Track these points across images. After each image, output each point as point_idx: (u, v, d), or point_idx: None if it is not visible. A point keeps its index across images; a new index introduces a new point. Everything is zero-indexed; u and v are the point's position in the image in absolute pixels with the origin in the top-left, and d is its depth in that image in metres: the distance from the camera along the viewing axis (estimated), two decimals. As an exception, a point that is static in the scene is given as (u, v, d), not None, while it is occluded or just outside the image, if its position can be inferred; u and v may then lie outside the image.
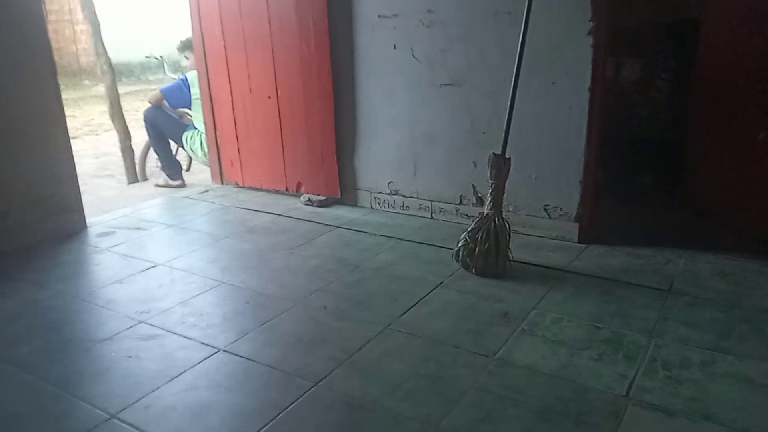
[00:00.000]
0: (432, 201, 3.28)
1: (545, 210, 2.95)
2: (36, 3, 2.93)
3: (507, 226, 2.55)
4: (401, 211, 3.39)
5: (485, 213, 2.56)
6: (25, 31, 2.89)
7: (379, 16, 3.16)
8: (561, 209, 2.90)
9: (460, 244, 2.60)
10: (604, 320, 2.14)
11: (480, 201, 3.09)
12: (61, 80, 3.12)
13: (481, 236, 2.53)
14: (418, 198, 3.33)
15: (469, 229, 2.58)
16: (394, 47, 3.16)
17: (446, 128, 3.13)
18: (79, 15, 12.97)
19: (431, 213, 3.30)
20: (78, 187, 3.23)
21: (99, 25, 5.13)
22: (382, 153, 3.38)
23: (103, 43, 5.16)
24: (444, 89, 3.07)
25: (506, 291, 2.40)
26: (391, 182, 3.40)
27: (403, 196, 3.38)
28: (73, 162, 3.17)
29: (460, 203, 3.19)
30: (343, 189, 3.55)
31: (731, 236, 2.86)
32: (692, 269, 2.56)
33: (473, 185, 3.12)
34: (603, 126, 2.81)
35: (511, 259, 2.57)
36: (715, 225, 2.97)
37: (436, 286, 2.45)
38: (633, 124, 3.59)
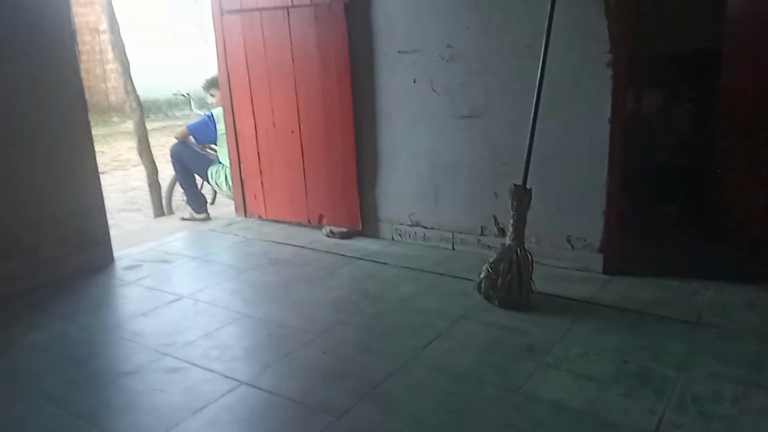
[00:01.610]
0: (453, 232, 3.28)
1: (568, 241, 2.92)
2: (70, 44, 3.06)
3: (529, 257, 2.53)
4: (422, 243, 3.39)
5: (507, 244, 2.55)
6: (59, 71, 3.01)
7: (399, 52, 3.22)
8: (584, 240, 2.87)
9: (482, 276, 2.58)
10: (631, 354, 2.09)
11: (501, 232, 3.07)
12: (91, 117, 3.23)
13: (504, 267, 2.50)
14: (439, 229, 3.33)
15: (491, 261, 2.56)
16: (414, 81, 3.20)
17: (466, 159, 3.14)
18: (109, 55, 13.45)
19: (452, 244, 3.29)
20: (106, 221, 3.30)
21: (128, 65, 5.30)
22: (403, 185, 3.40)
23: (132, 81, 5.33)
24: (464, 121, 3.09)
25: (530, 324, 2.36)
26: (412, 214, 3.41)
27: (424, 227, 3.38)
28: (102, 197, 3.25)
29: (482, 234, 3.18)
30: (365, 221, 3.57)
31: (759, 266, 2.78)
32: (720, 301, 2.50)
33: (494, 216, 3.11)
34: (625, 156, 2.79)
35: (535, 290, 2.54)
36: (743, 255, 2.90)
37: (459, 319, 2.43)
38: (656, 154, 3.56)
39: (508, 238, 2.56)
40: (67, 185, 3.08)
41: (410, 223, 3.43)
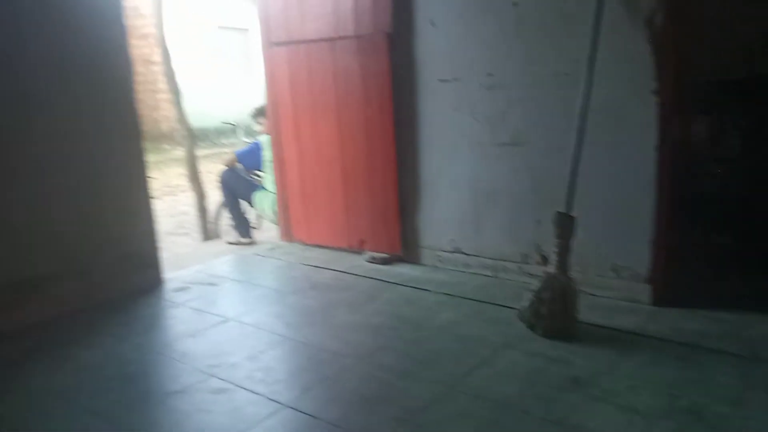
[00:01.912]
0: (495, 259, 3.24)
1: (614, 270, 2.85)
2: (127, 76, 3.22)
3: (574, 286, 2.48)
4: (463, 270, 3.37)
5: (551, 272, 2.51)
6: (117, 101, 3.17)
7: (440, 80, 3.26)
8: (631, 269, 2.80)
9: (525, 304, 2.54)
10: (682, 388, 2.01)
11: (545, 260, 3.02)
12: (144, 144, 3.37)
13: (547, 296, 2.46)
14: (480, 256, 3.30)
15: (534, 289, 2.52)
16: (455, 109, 3.23)
17: (508, 186, 3.12)
18: (161, 85, 14.07)
19: (494, 272, 3.25)
20: (158, 244, 3.41)
21: (180, 95, 5.54)
22: (444, 211, 3.40)
23: (183, 111, 5.56)
24: (505, 148, 3.09)
25: (575, 354, 2.30)
26: (452, 240, 3.40)
27: (466, 254, 3.36)
28: (154, 221, 3.37)
29: (524, 262, 3.14)
30: (405, 247, 3.58)
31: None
32: (778, 334, 2.39)
33: (537, 244, 3.07)
34: (673, 184, 2.73)
35: (580, 320, 2.48)
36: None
37: (501, 347, 2.39)
38: (706, 182, 3.46)
39: (551, 266, 2.52)
40: (122, 210, 3.21)
41: (451, 249, 3.41)
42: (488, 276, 3.26)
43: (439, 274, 3.36)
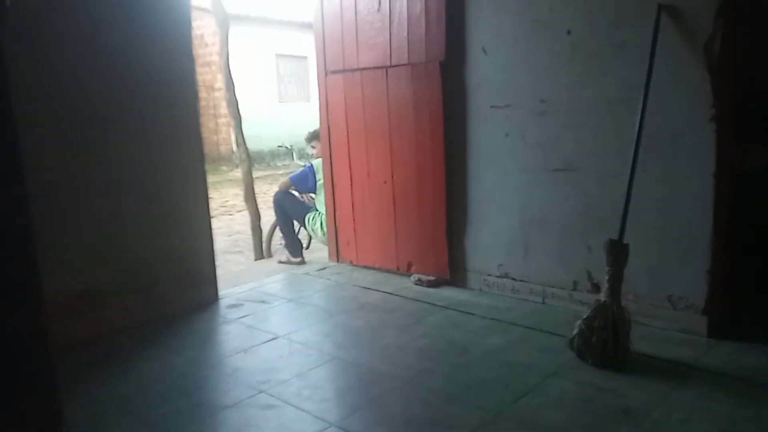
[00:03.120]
0: (543, 286, 3.19)
1: (669, 300, 2.74)
2: (193, 103, 3.38)
3: (627, 315, 2.41)
4: (511, 295, 3.32)
5: (602, 300, 2.44)
6: (183, 127, 3.32)
7: (491, 107, 3.26)
8: (687, 300, 2.69)
9: (575, 332, 2.47)
10: (739, 425, 1.90)
11: (596, 288, 2.95)
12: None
13: (599, 325, 2.39)
14: (528, 282, 3.25)
15: (584, 317, 2.46)
16: (506, 135, 3.22)
17: (559, 212, 3.08)
18: (222, 110, 14.63)
19: (543, 298, 3.19)
20: (214, 262, 3.53)
21: (240, 120, 5.75)
22: (493, 236, 3.37)
23: (243, 135, 5.75)
24: (557, 174, 3.05)
25: (627, 385, 2.22)
26: (501, 265, 3.36)
27: (514, 279, 3.31)
28: (212, 240, 3.49)
29: (574, 289, 3.07)
30: (453, 270, 3.56)
31: None
32: None
33: (588, 271, 2.99)
34: (731, 213, 2.62)
35: (632, 350, 2.39)
36: None
37: (550, 375, 2.34)
38: (765, 212, 3.30)
39: (603, 294, 2.46)
40: (183, 229, 3.34)
41: (499, 274, 3.37)
42: (537, 302, 3.20)
43: (486, 298, 3.32)
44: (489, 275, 3.42)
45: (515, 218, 3.26)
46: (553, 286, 3.15)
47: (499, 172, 3.29)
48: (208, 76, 15.31)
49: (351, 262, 4.14)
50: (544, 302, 3.19)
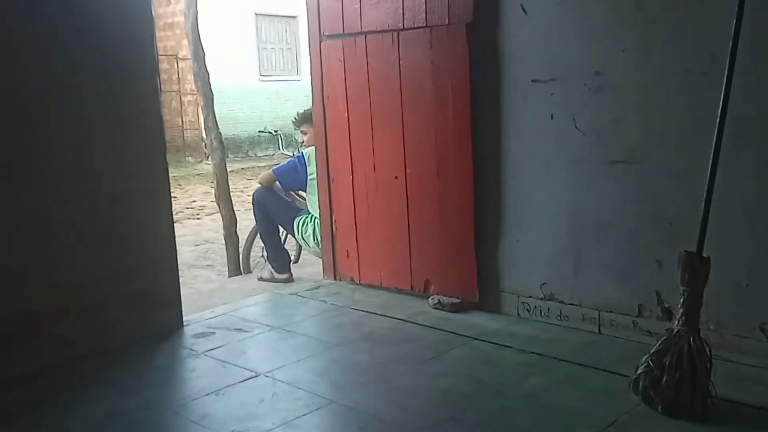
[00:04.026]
0: (600, 311, 3.17)
1: (762, 330, 2.72)
2: (152, 76, 3.39)
3: (707, 349, 2.39)
4: (558, 322, 3.31)
5: (675, 330, 2.43)
6: (138, 106, 3.33)
7: (533, 81, 3.25)
8: (785, 329, 2.66)
9: (640, 371, 2.46)
10: None
11: (667, 313, 2.93)
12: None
13: (670, 361, 2.38)
14: (580, 306, 3.24)
15: (652, 351, 2.45)
16: (552, 117, 3.21)
17: (619, 216, 3.06)
18: (189, 85, 14.70)
19: (598, 326, 3.18)
20: (178, 279, 3.53)
21: (212, 98, 5.77)
22: (534, 246, 3.36)
23: (215, 117, 5.78)
24: (616, 167, 3.04)
25: (708, 440, 2.20)
26: (544, 284, 3.35)
27: (561, 302, 3.30)
28: (175, 251, 3.49)
29: (639, 315, 3.05)
30: (483, 291, 3.55)
31: None
32: None
33: (657, 292, 2.98)
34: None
35: (714, 395, 2.37)
36: None
37: (608, 426, 2.33)
38: None
39: (676, 322, 2.44)
40: (137, 236, 3.35)
41: (542, 296, 3.36)
42: (591, 332, 3.19)
43: (525, 326, 3.31)
44: (529, 297, 3.41)
45: (563, 224, 3.25)
46: (611, 311, 3.14)
47: (543, 165, 3.28)
48: (170, 43, 15.43)
49: (352, 280, 4.14)
50: (600, 332, 3.17)
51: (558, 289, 3.31)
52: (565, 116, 3.17)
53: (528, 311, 3.42)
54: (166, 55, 15.11)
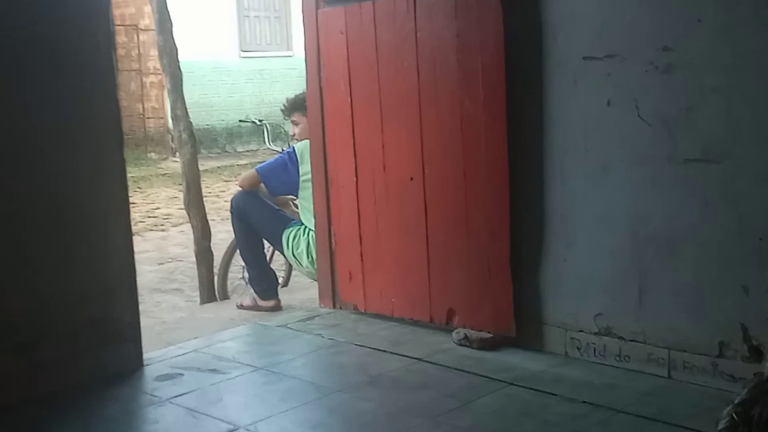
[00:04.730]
0: (669, 349, 3.16)
1: None
2: (106, 51, 3.40)
3: (807, 398, 2.37)
4: (616, 363, 3.30)
5: (766, 375, 2.41)
6: (89, 89, 3.35)
7: (584, 58, 3.25)
8: None
9: (721, 426, 2.44)
10: None
11: (756, 353, 2.91)
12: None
13: (760, 414, 2.36)
14: (645, 343, 3.22)
15: (737, 401, 2.42)
16: (608, 103, 3.21)
17: (694, 229, 3.06)
18: (151, 63, 14.81)
19: (668, 369, 3.16)
20: (137, 307, 3.53)
21: (181, 79, 5.79)
22: (586, 267, 3.35)
23: (184, 103, 5.80)
24: (691, 167, 3.04)
25: None
26: (599, 315, 3.34)
27: (620, 338, 3.29)
28: (134, 271, 3.49)
29: (720, 355, 3.03)
30: (521, 323, 3.54)
31: None
32: None
33: (743, 325, 2.96)
34: None
35: (817, 458, 2.35)
36: None
37: (681, 497, 2.31)
38: None
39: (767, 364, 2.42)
40: (84, 252, 3.35)
41: (596, 330, 3.35)
42: (658, 376, 3.18)
43: (574, 368, 3.31)
44: (580, 331, 3.40)
45: (623, 238, 3.24)
46: (685, 350, 3.12)
47: (597, 164, 3.28)
48: (129, 10, 15.56)
49: (356, 308, 4.13)
50: (670, 376, 3.16)
51: (617, 322, 3.30)
52: (626, 102, 3.16)
53: (578, 349, 3.41)
54: (123, 26, 15.23)
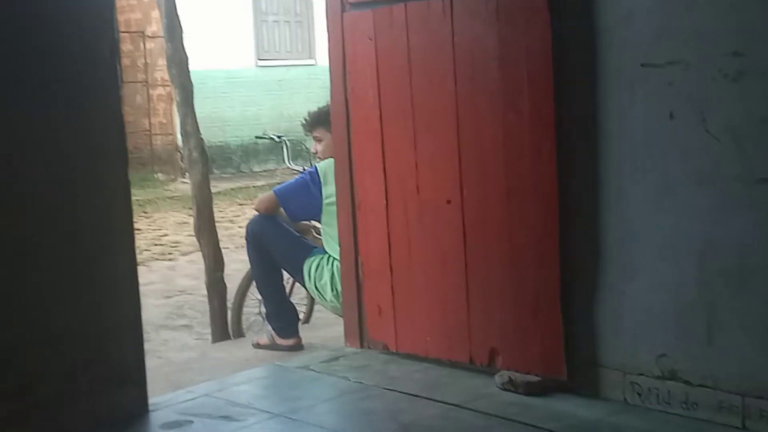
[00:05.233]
0: (743, 395, 3.12)
1: None
2: (110, 61, 3.45)
3: None
4: (683, 412, 3.26)
5: None
6: (90, 103, 3.38)
7: (643, 65, 3.25)
8: None
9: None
10: None
11: None
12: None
13: None
14: (715, 388, 3.19)
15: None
16: (671, 116, 3.20)
17: (771, 259, 3.04)
18: (159, 73, 14.95)
19: (742, 418, 3.13)
20: (142, 346, 3.55)
21: (192, 91, 5.84)
22: (648, 301, 3.33)
23: (195, 118, 5.84)
24: (765, 188, 3.02)
25: None
26: (662, 356, 3.31)
27: (687, 382, 3.26)
28: (139, 305, 3.51)
29: (805, 403, 3.00)
30: (573, 365, 3.51)
31: None
32: None
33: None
34: None
35: None
36: None
37: None
38: None
39: None
40: (83, 284, 3.38)
41: (659, 373, 3.33)
42: (731, 426, 3.14)
43: (634, 417, 3.29)
44: (640, 375, 3.38)
45: (690, 267, 3.22)
46: (761, 397, 3.08)
47: (659, 184, 3.27)
48: (134, 15, 15.74)
49: (385, 348, 4.13)
50: (744, 426, 3.12)
51: (683, 364, 3.27)
52: (691, 115, 3.15)
53: (639, 395, 3.38)
54: (128, 32, 15.40)
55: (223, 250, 5.92)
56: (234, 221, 10.19)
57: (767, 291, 3.05)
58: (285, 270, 4.73)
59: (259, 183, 13.92)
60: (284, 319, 4.60)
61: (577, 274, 3.49)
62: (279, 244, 4.67)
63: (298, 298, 4.91)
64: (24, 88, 3.19)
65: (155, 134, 15.76)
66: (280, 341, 4.55)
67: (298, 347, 4.51)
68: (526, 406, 3.44)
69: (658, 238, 3.29)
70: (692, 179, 3.18)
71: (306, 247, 4.70)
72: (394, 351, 4.09)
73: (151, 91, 15.74)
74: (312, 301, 5.14)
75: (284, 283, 4.78)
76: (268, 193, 4.86)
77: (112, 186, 3.44)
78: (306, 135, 5.01)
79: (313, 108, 4.90)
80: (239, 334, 5.34)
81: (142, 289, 3.62)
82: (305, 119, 4.90)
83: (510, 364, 3.67)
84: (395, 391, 3.68)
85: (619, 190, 3.37)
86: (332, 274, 4.51)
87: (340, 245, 4.32)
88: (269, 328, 4.63)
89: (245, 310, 5.36)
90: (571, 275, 3.50)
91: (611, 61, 3.33)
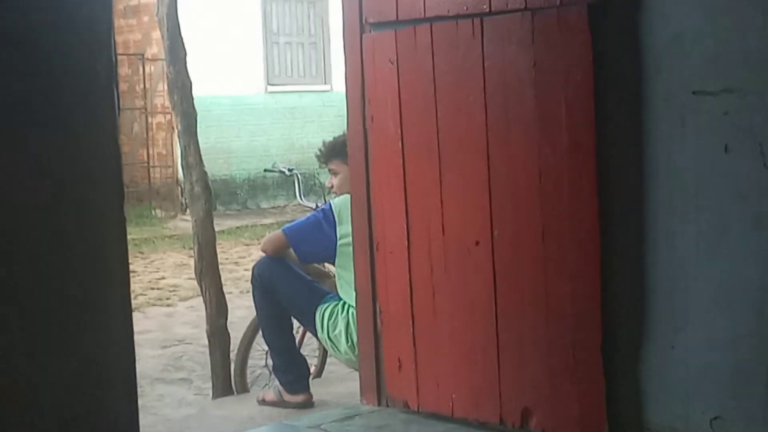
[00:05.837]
0: (810, 464, 3.09)
1: None
2: (107, 85, 3.47)
3: None
4: (741, 483, 3.24)
5: None
6: (80, 130, 3.41)
7: (695, 93, 3.26)
8: None
9: None
10: None
11: None
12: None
13: None
14: (778, 456, 3.16)
15: None
16: (726, 149, 3.20)
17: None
18: (159, 99, 15.08)
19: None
20: (135, 401, 3.54)
21: (195, 119, 5.88)
22: (699, 355, 3.32)
23: (198, 149, 5.88)
24: (832, 231, 3.01)
25: None
26: (717, 419, 3.29)
27: (746, 448, 3.23)
28: (133, 356, 3.52)
29: None
30: (616, 427, 3.50)
31: None
32: None
33: None
34: None
35: None
36: None
37: None
38: None
39: None
40: (70, 332, 3.38)
41: (714, 436, 3.30)
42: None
43: (687, 488, 3.25)
44: (692, 438, 3.35)
45: (748, 319, 3.22)
46: (830, 467, 3.05)
47: (712, 225, 3.27)
48: (134, 36, 15.92)
49: (406, 405, 4.11)
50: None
51: (740, 427, 3.25)
52: (748, 148, 3.16)
53: (691, 462, 3.35)
54: (126, 55, 15.55)
55: (226, 295, 5.93)
56: (239, 263, 10.21)
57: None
58: (295, 318, 4.73)
59: (267, 221, 13.95)
60: (293, 372, 4.59)
61: (621, 324, 3.48)
62: (288, 289, 4.67)
63: (309, 349, 4.91)
64: (3, 114, 3.23)
65: (154, 166, 15.82)
66: (288, 397, 4.53)
67: (309, 404, 4.49)
68: (564, 473, 3.43)
69: (711, 286, 3.28)
70: (749, 220, 3.18)
71: (318, 293, 4.70)
72: (416, 409, 4.07)
73: (150, 119, 15.83)
74: (324, 353, 5.13)
75: (294, 332, 4.77)
76: (277, 233, 4.86)
77: (105, 223, 3.46)
78: (321, 167, 5.02)
79: (329, 138, 4.92)
80: (243, 389, 5.32)
81: (136, 337, 3.61)
82: (320, 149, 4.90)
83: (545, 425, 3.66)
84: (416, 454, 3.68)
85: (667, 232, 3.37)
86: (347, 322, 4.50)
87: (356, 291, 4.32)
88: (277, 382, 4.62)
89: (250, 362, 5.35)
90: (613, 326, 3.49)
91: (659, 87, 3.35)
